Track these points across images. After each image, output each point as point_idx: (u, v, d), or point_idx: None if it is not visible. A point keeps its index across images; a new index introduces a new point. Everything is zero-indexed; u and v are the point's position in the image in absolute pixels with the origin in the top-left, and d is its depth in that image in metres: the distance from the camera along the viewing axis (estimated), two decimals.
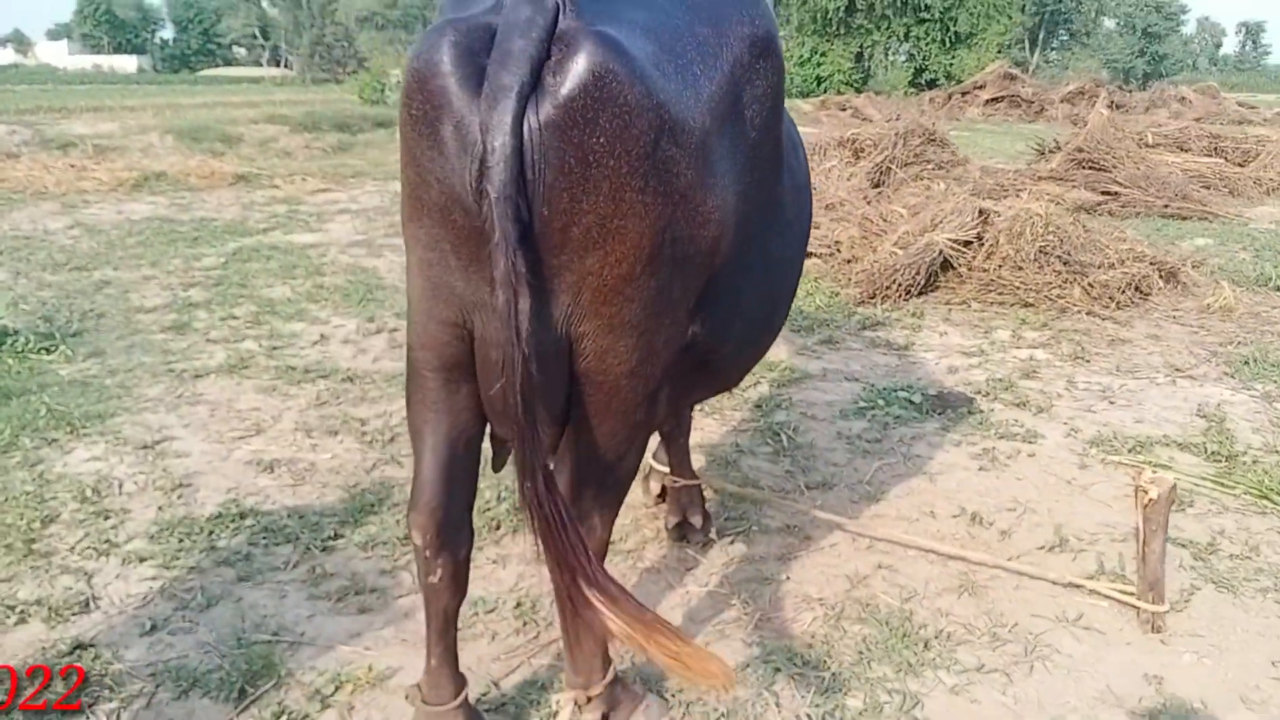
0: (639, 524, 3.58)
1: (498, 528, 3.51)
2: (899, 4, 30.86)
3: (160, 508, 3.57)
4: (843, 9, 30.93)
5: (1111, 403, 4.92)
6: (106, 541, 3.30)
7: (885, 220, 8.00)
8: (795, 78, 33.80)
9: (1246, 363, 5.49)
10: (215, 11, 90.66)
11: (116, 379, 4.90)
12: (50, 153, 13.06)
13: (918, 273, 6.81)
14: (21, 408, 4.40)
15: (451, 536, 2.21)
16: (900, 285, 6.77)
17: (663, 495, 3.69)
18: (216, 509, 3.57)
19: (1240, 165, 11.92)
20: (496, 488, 3.76)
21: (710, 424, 4.54)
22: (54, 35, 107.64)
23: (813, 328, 6.18)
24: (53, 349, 5.25)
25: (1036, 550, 3.43)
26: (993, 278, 6.79)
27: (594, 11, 1.78)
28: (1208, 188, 11.04)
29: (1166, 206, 10.08)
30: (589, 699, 2.40)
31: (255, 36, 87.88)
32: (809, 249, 7.80)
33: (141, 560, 3.21)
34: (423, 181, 1.84)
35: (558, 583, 2.00)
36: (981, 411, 4.73)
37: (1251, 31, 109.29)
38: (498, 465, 2.47)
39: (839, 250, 7.93)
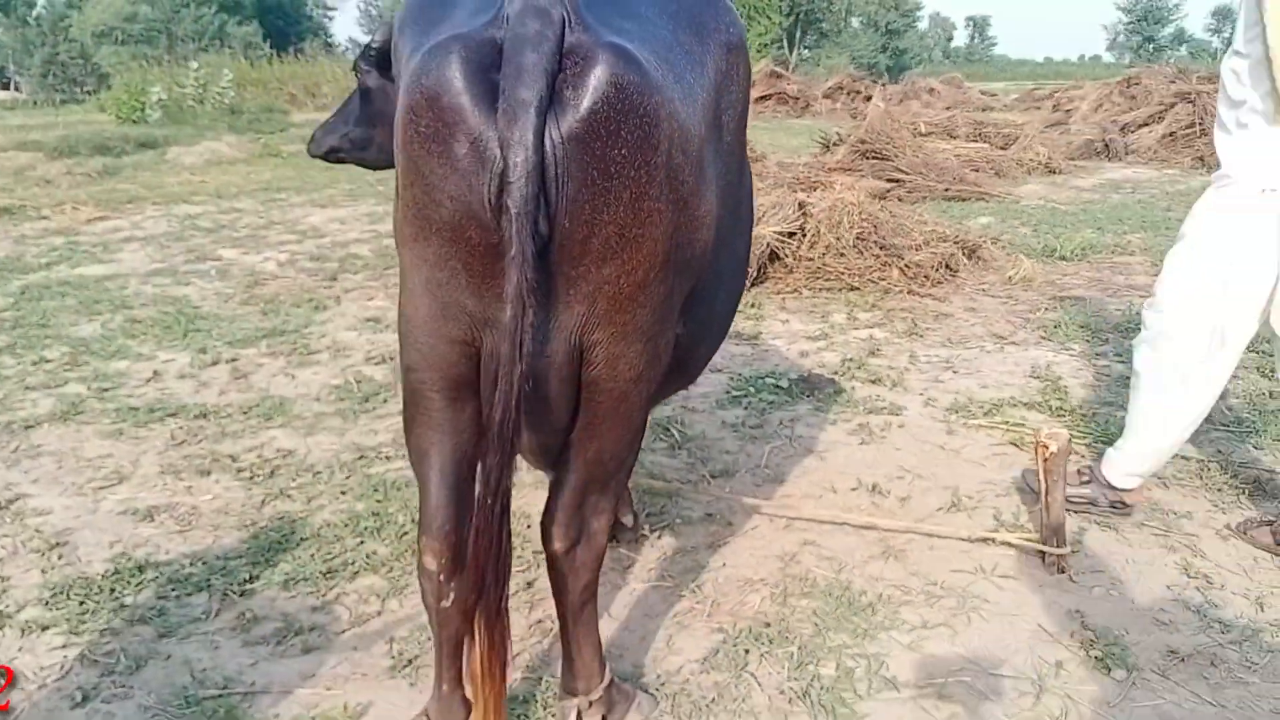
0: None
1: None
2: None
3: (43, 570, 3.27)
4: None
5: (955, 372, 5.31)
6: None
7: None
8: None
9: (1057, 327, 6.04)
10: None
11: None
12: None
13: (750, 266, 7.07)
14: None
15: (464, 559, 2.17)
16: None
17: None
18: (108, 565, 3.31)
19: (1003, 149, 13.05)
20: (411, 511, 3.67)
21: None
22: None
23: None
24: None
25: (937, 512, 3.68)
26: (819, 265, 7.14)
27: (596, 23, 1.80)
28: (977, 170, 11.99)
29: (947, 190, 10.89)
30: (590, 704, 2.41)
31: None
32: None
33: (44, 628, 2.93)
34: (432, 200, 1.80)
35: (487, 602, 1.99)
36: (844, 390, 4.99)
37: (979, 25, 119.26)
38: None
39: None
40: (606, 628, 2.90)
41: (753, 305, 6.75)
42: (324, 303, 6.98)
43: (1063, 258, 7.97)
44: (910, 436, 4.42)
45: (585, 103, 1.72)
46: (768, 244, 7.19)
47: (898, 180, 11.16)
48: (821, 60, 50.32)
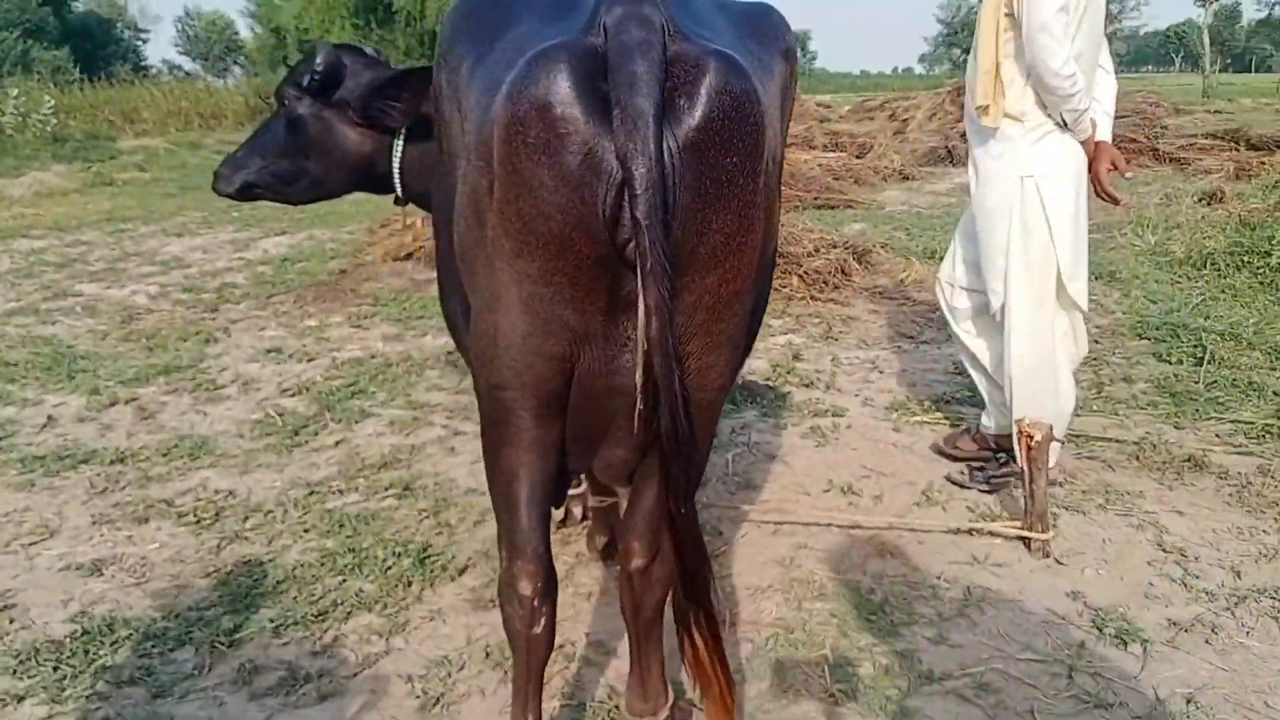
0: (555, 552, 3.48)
1: (409, 584, 3.28)
2: None
3: None
4: None
5: (881, 372, 5.47)
6: None
7: None
8: None
9: None
10: None
11: None
12: None
13: None
14: None
15: (554, 582, 2.09)
16: None
17: (564, 520, 3.64)
18: (71, 625, 3.03)
19: (859, 157, 13.55)
20: (388, 544, 3.51)
21: None
22: None
23: None
24: None
25: (914, 507, 3.77)
26: None
27: (692, 31, 1.76)
28: (839, 179, 12.41)
29: (817, 198, 11.22)
30: None
31: None
32: None
33: (20, 699, 2.66)
34: (540, 214, 1.70)
35: (687, 611, 2.00)
36: (783, 395, 5.06)
37: (801, 40, 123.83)
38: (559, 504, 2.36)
39: None
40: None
41: None
42: (213, 335, 6.62)
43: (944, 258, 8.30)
44: (860, 436, 4.51)
45: (699, 111, 1.66)
46: None
47: None
48: None
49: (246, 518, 3.82)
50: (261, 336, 6.62)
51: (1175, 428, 4.48)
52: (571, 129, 1.64)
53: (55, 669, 2.79)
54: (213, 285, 8.27)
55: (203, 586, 3.30)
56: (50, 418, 5.01)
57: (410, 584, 3.27)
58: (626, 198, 1.63)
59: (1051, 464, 3.53)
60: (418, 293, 7.78)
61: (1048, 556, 3.34)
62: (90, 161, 17.63)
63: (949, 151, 15.38)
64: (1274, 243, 7.03)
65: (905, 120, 20.38)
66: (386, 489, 4.04)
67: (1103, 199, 3.85)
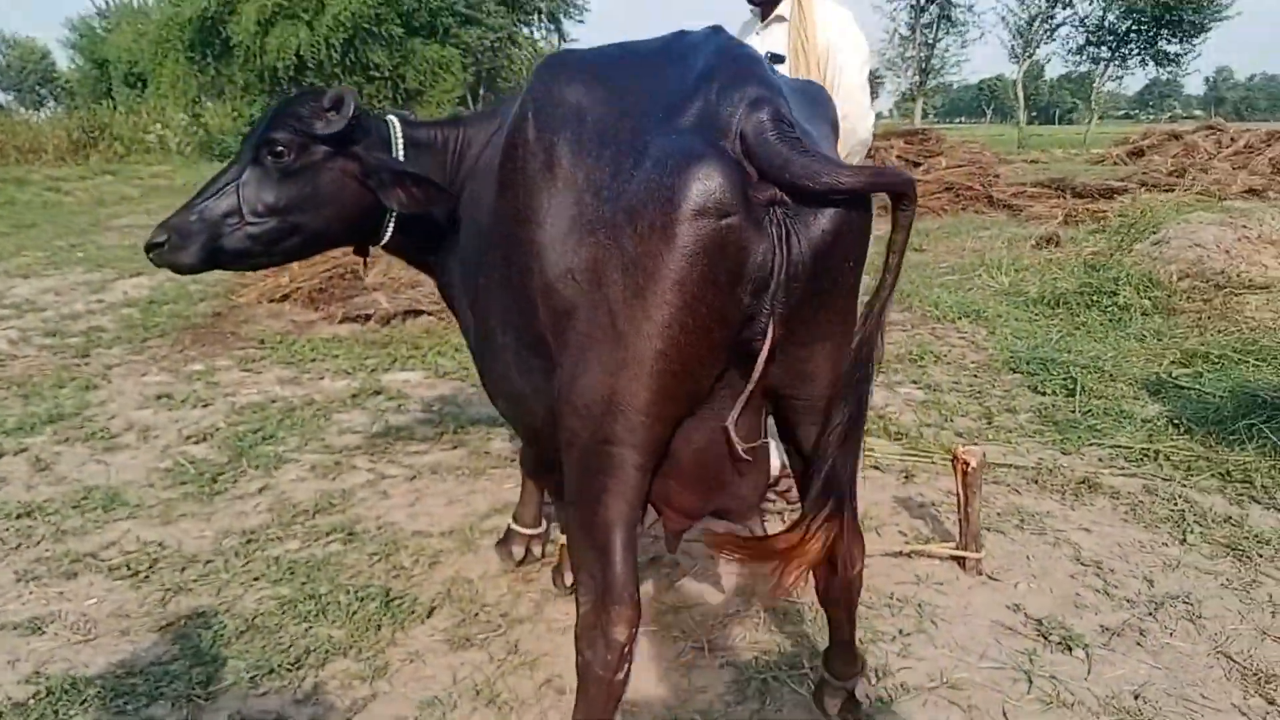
0: (519, 592, 3.53)
1: (379, 628, 3.26)
2: (348, 63, 31.17)
3: None
4: (293, 68, 30.50)
5: None
6: None
7: None
8: None
9: None
10: None
11: None
12: None
13: None
14: None
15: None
16: None
17: (524, 558, 3.69)
18: (28, 686, 2.89)
19: None
20: (347, 589, 3.48)
21: (505, 475, 4.53)
22: None
23: None
24: None
25: None
26: None
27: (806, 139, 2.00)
28: None
29: None
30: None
31: None
32: (424, 307, 7.79)
33: None
34: (698, 301, 1.91)
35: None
36: None
37: None
38: (673, 546, 2.51)
39: None
40: None
41: None
42: (91, 381, 6.33)
43: None
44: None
45: (828, 226, 1.97)
46: None
47: None
48: None
49: (184, 568, 3.70)
50: (145, 382, 6.36)
51: (1063, 453, 4.87)
52: (733, 234, 1.88)
53: None
54: (76, 329, 7.88)
55: (158, 640, 3.20)
56: None
57: (380, 628, 3.26)
58: (769, 295, 1.95)
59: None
60: (303, 334, 7.63)
61: (982, 574, 3.60)
62: None
63: None
64: (1119, 283, 7.72)
65: None
66: (328, 535, 3.99)
67: None
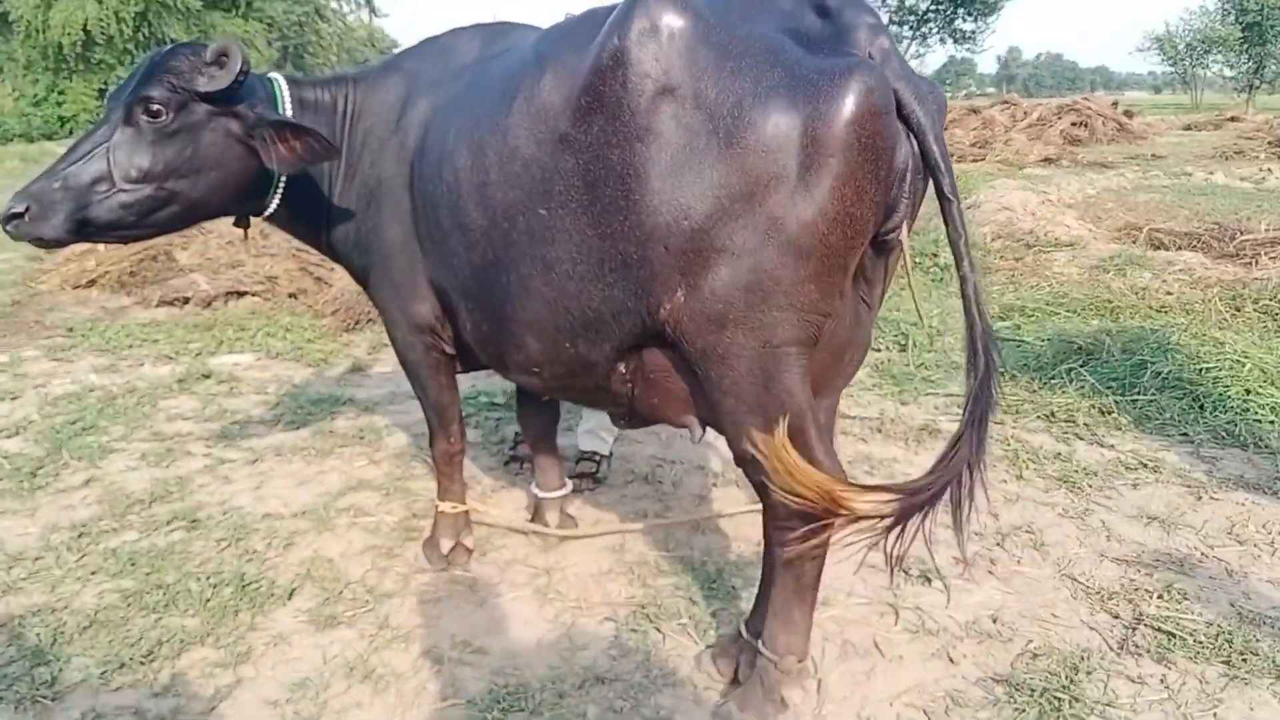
0: (384, 567, 3.42)
1: (237, 614, 3.09)
2: (141, 38, 29.28)
3: None
4: (79, 44, 28.39)
5: None
6: None
7: None
8: (34, 119, 30.17)
9: None
10: None
11: None
12: None
13: None
14: None
15: None
16: None
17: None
18: None
19: None
20: (196, 577, 3.28)
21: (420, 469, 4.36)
22: None
23: (328, 363, 6.06)
24: None
25: (713, 488, 4.04)
26: None
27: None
28: None
29: None
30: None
31: None
32: (247, 288, 7.51)
33: None
34: (851, 222, 2.11)
35: None
36: None
37: None
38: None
39: (277, 285, 7.72)
40: (515, 655, 2.89)
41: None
42: None
43: None
44: (645, 431, 4.75)
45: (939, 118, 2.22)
46: None
47: None
48: None
49: (11, 567, 3.41)
50: None
51: (902, 404, 5.09)
52: (890, 130, 2.10)
53: None
54: None
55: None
56: None
57: (238, 613, 3.09)
58: (939, 199, 2.18)
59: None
60: (116, 320, 7.16)
61: None
62: None
63: None
64: (939, 245, 8.10)
65: None
66: (168, 524, 3.75)
67: None
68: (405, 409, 5.11)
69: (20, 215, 2.61)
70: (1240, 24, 46.09)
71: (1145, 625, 2.96)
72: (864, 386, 5.33)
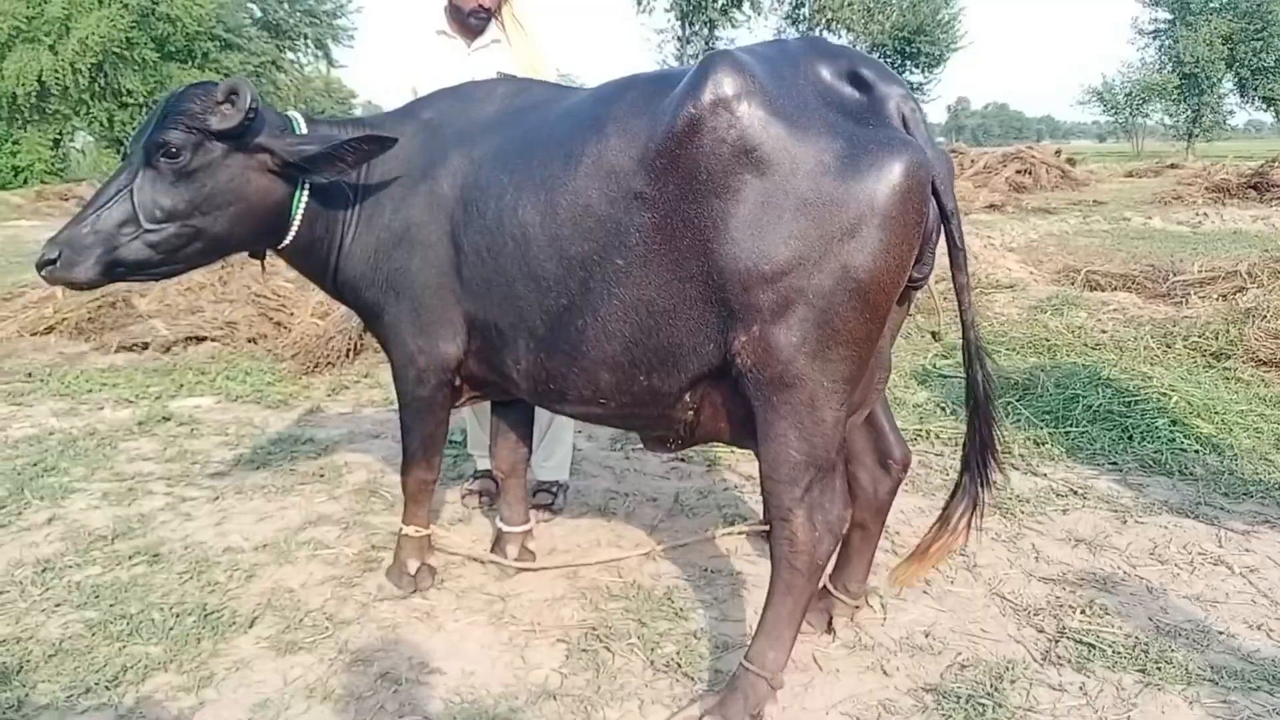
0: (343, 596, 3.52)
1: (199, 641, 3.18)
2: (98, 88, 29.32)
3: None
4: (34, 94, 28.36)
5: None
6: None
7: (278, 295, 8.07)
8: None
9: None
10: None
11: None
12: None
13: (350, 337, 7.10)
14: None
15: None
16: (339, 351, 7.01)
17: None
18: None
19: None
20: (159, 608, 3.37)
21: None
22: None
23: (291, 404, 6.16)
24: None
25: (666, 518, 4.19)
26: None
27: None
28: None
29: None
30: None
31: None
32: (206, 333, 7.58)
33: None
34: (900, 271, 2.48)
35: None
36: None
37: None
38: None
39: (237, 330, 7.81)
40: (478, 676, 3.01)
41: (366, 376, 6.82)
42: None
43: None
44: (592, 463, 4.90)
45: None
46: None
47: None
48: None
49: None
50: None
51: None
52: (925, 194, 2.47)
53: None
54: None
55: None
56: None
57: (200, 641, 3.18)
58: (949, 246, 2.60)
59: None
60: (75, 366, 7.21)
61: None
62: None
63: None
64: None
65: None
66: (130, 559, 3.83)
67: None
68: (364, 447, 5.22)
69: (53, 262, 2.77)
70: (1177, 73, 47.65)
71: (1067, 638, 3.14)
72: None
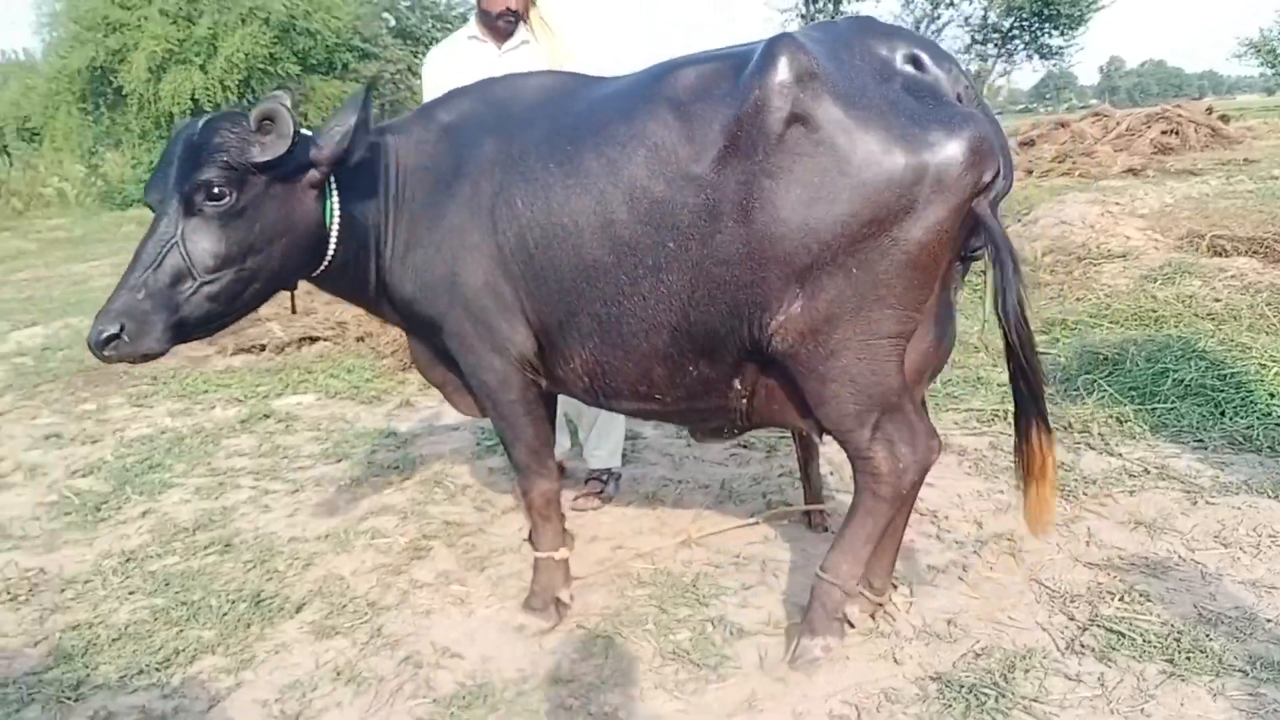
0: (388, 583, 3.69)
1: (249, 626, 3.40)
2: (246, 104, 30.80)
3: None
4: (189, 112, 30.11)
5: None
6: None
7: None
8: None
9: None
10: None
11: None
12: None
13: None
14: None
15: None
16: None
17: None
18: None
19: None
20: (219, 594, 3.60)
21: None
22: None
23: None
24: None
25: (717, 503, 4.21)
26: None
27: None
28: None
29: None
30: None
31: None
32: (319, 334, 7.86)
33: None
34: (944, 249, 2.57)
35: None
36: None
37: None
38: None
39: (347, 330, 8.17)
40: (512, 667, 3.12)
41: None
42: None
43: None
44: (653, 450, 4.94)
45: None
46: None
47: None
48: None
49: (64, 589, 3.79)
50: (36, 425, 6.37)
51: None
52: (982, 177, 2.53)
53: None
54: None
55: (33, 654, 3.29)
56: None
57: (250, 625, 3.39)
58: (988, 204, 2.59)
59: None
60: (196, 369, 7.67)
61: (827, 530, 3.84)
62: None
63: None
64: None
65: None
66: (205, 549, 4.10)
67: None
68: (440, 440, 5.41)
69: (117, 336, 2.56)
70: None
71: (1098, 626, 3.02)
72: None
